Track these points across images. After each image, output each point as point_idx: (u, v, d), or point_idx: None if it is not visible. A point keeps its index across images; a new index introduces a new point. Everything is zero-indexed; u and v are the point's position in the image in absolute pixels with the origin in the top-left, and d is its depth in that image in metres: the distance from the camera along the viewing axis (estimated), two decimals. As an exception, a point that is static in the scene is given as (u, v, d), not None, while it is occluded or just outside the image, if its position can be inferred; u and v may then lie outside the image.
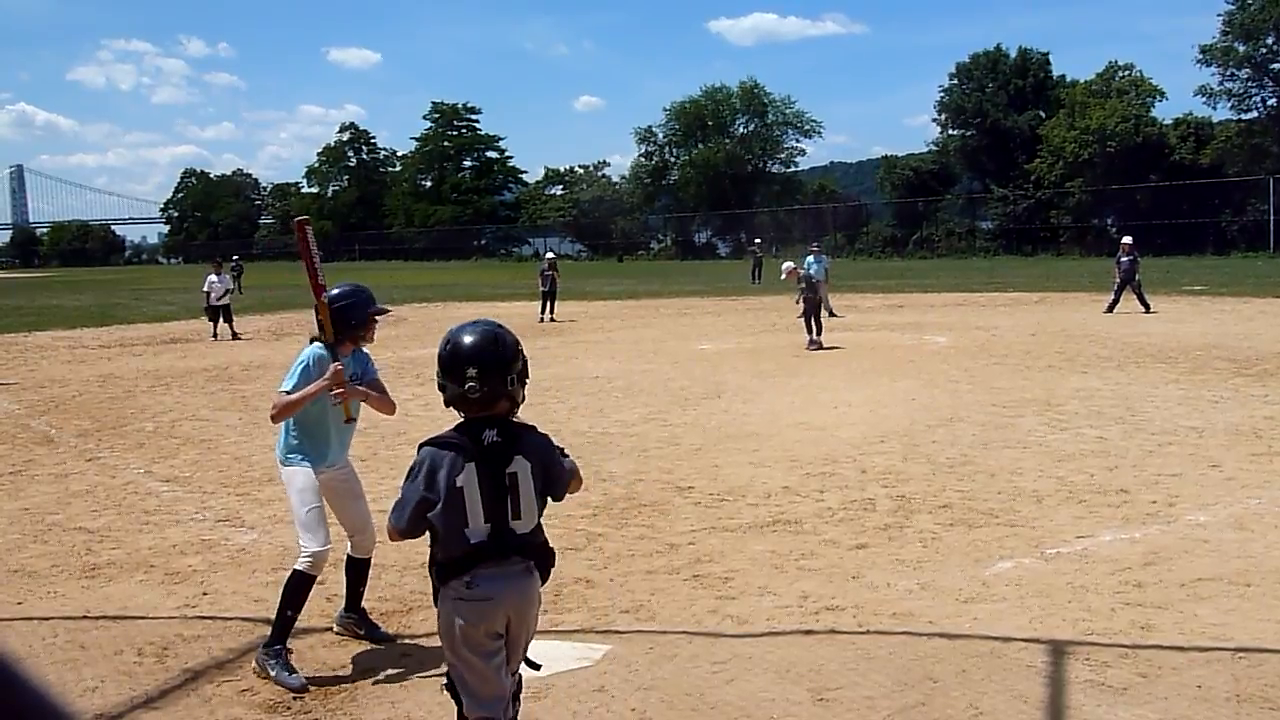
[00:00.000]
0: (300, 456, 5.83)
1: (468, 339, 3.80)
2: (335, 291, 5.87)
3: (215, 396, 16.67)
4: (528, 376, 3.93)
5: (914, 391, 14.92)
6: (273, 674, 5.59)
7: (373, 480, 9.06)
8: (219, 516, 9.28)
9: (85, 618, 6.79)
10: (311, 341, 5.87)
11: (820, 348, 20.53)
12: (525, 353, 3.93)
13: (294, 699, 5.44)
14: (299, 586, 5.69)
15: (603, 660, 5.81)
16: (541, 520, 3.91)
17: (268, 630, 5.80)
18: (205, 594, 7.25)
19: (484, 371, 3.72)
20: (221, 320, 27.10)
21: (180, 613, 6.88)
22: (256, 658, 5.74)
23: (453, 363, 3.76)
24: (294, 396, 5.58)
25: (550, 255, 33.61)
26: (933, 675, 5.45)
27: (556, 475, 3.87)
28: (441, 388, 3.83)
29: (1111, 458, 10.43)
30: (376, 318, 6.01)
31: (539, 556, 3.92)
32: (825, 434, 12.04)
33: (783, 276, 22.59)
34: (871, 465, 10.40)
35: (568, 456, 3.96)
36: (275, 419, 5.64)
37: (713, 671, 5.60)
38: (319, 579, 5.88)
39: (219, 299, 27.11)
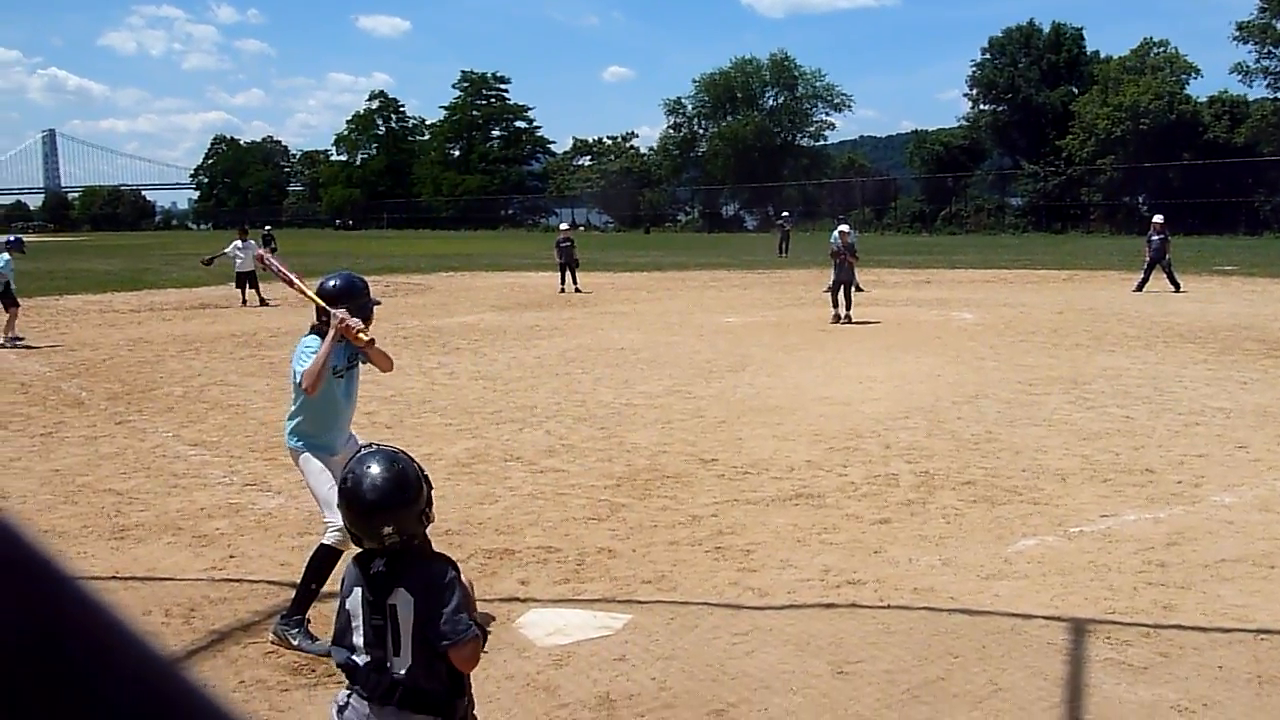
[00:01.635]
0: (310, 442, 5.91)
1: (371, 491, 3.39)
2: (332, 283, 5.89)
3: (243, 362, 16.79)
4: (430, 491, 3.55)
5: (939, 368, 14.86)
6: (295, 643, 5.64)
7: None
8: (246, 480, 9.35)
9: (114, 578, 6.87)
10: (311, 331, 5.88)
11: (848, 322, 20.48)
12: (426, 475, 3.55)
13: (318, 662, 5.50)
14: (325, 560, 5.73)
15: (624, 630, 5.85)
16: (436, 667, 3.40)
17: (293, 593, 5.85)
18: (232, 557, 7.32)
19: (399, 526, 3.40)
20: (248, 287, 27.20)
21: (207, 575, 6.96)
22: (275, 629, 5.79)
23: (364, 519, 3.42)
24: (319, 354, 5.59)
25: (565, 226, 33.32)
26: (953, 651, 5.46)
27: (433, 618, 3.36)
28: (355, 540, 3.51)
29: (1137, 437, 10.37)
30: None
31: (421, 704, 3.40)
32: (849, 409, 12.02)
33: (843, 227, 22.26)
34: (895, 441, 10.38)
35: (472, 625, 3.40)
36: (312, 389, 5.63)
37: (733, 643, 5.63)
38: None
39: (242, 266, 27.17)
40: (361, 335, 5.70)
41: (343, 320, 5.60)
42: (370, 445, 3.58)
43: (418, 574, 3.41)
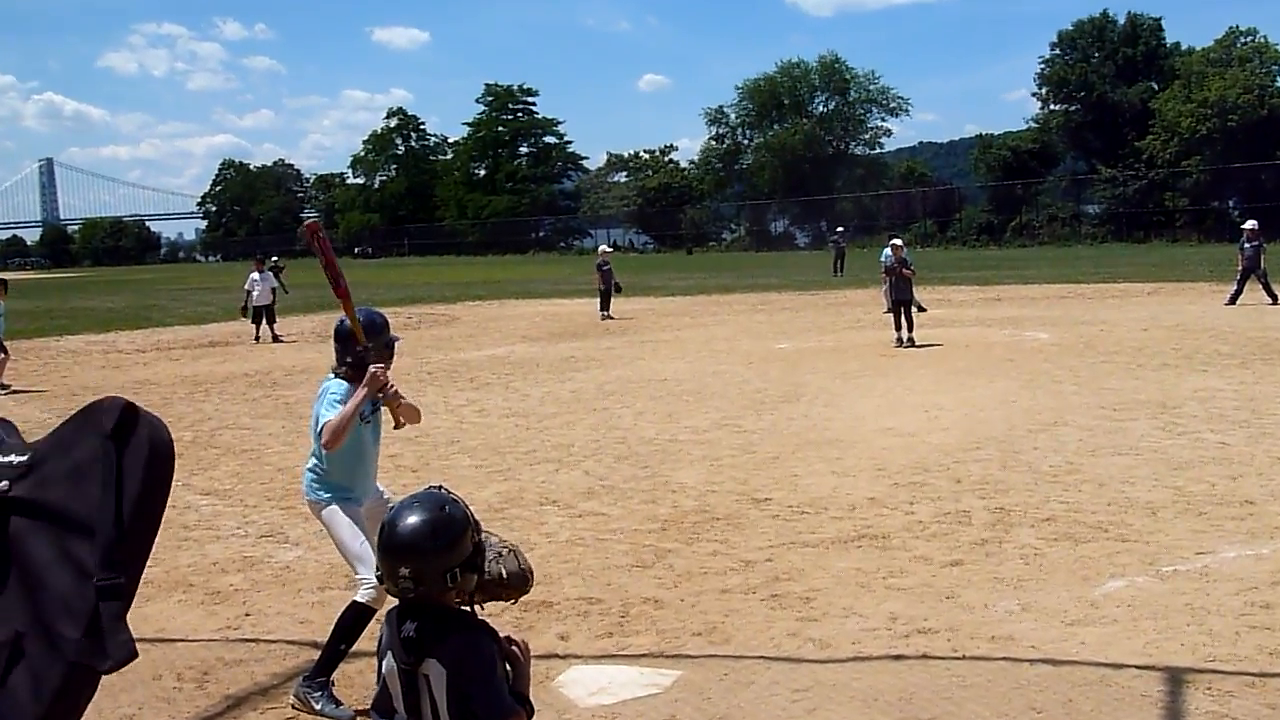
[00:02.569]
0: (335, 494, 5.93)
1: (402, 527, 3.35)
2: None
3: (257, 403, 16.93)
4: (481, 559, 3.47)
5: (1013, 393, 14.78)
6: (318, 706, 5.66)
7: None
8: (262, 532, 9.41)
9: (122, 640, 6.90)
10: (333, 374, 5.91)
11: (911, 345, 20.41)
12: (478, 533, 3.47)
13: (342, 728, 5.52)
14: (357, 619, 5.73)
15: (673, 687, 5.83)
16: None
17: (314, 654, 5.87)
18: (248, 615, 7.36)
19: (418, 572, 3.33)
20: (264, 322, 27.40)
21: (222, 635, 7.00)
22: (296, 690, 5.80)
23: (386, 556, 3.38)
24: (345, 410, 5.63)
25: (605, 248, 33.73)
26: (1035, 705, 5.40)
27: (469, 695, 3.33)
28: (378, 578, 3.50)
29: (1235, 465, 10.26)
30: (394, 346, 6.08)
31: None
32: (915, 440, 11.97)
33: (896, 241, 22.49)
34: (966, 474, 10.32)
35: (513, 702, 3.36)
36: (332, 445, 5.64)
37: (793, 700, 5.59)
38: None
39: (260, 299, 27.42)
40: (398, 396, 5.79)
41: (378, 381, 5.65)
42: (439, 486, 3.58)
43: (451, 644, 3.36)
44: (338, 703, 5.68)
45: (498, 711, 3.33)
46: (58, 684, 2.70)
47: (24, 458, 2.89)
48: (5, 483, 2.80)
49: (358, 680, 6.00)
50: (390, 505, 5.97)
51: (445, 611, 3.40)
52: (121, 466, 2.74)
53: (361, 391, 5.66)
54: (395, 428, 6.14)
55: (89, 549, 2.72)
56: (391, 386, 5.76)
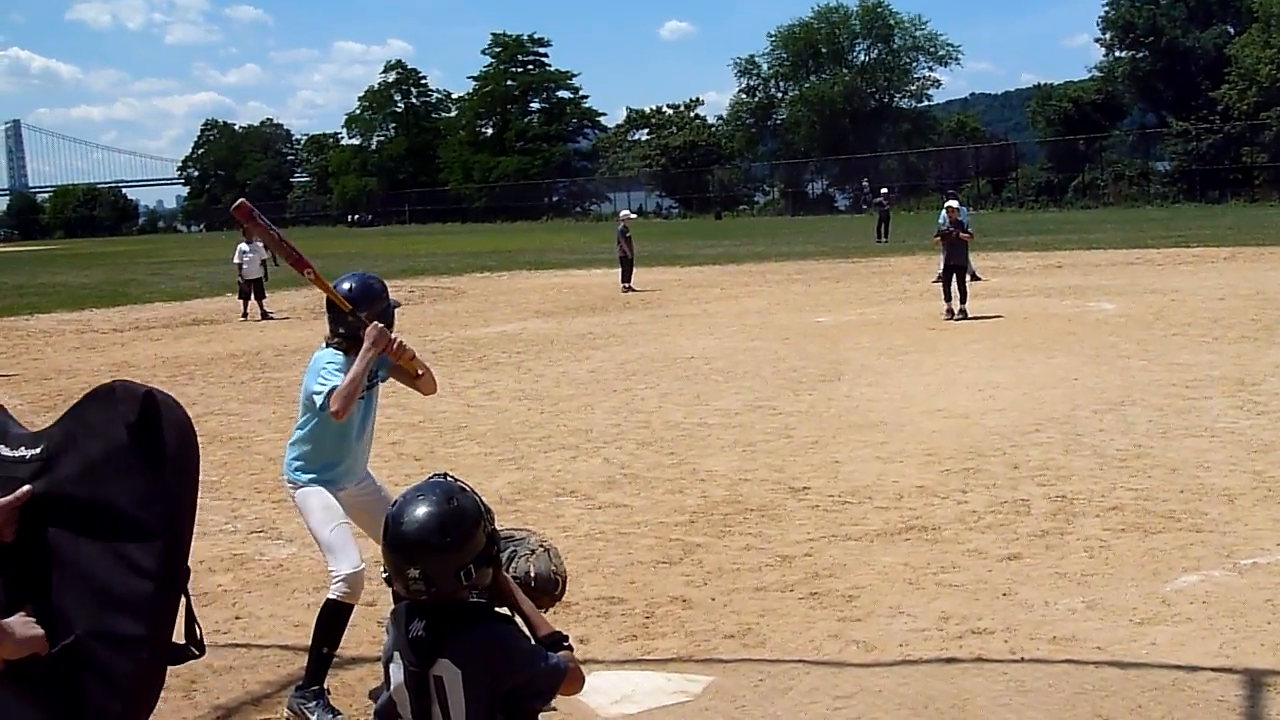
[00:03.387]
0: (315, 476, 5.91)
1: (409, 523, 3.33)
2: (346, 285, 5.88)
3: (245, 387, 16.99)
4: (496, 550, 3.48)
5: (1075, 369, 14.75)
6: (313, 717, 5.67)
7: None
8: (252, 527, 9.46)
9: (101, 646, 6.95)
10: (326, 346, 5.89)
11: (963, 317, 20.35)
12: (491, 523, 3.45)
13: (341, 740, 5.55)
14: (334, 618, 5.74)
15: (704, 694, 5.84)
16: None
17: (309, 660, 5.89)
18: (238, 618, 7.39)
19: (428, 572, 3.31)
20: (253, 297, 27.38)
21: (210, 640, 6.97)
22: (290, 702, 5.81)
23: (392, 555, 3.35)
24: (354, 370, 5.57)
25: (626, 214, 33.92)
26: (1101, 711, 5.40)
27: (514, 687, 3.37)
28: (386, 579, 3.46)
29: (1321, 447, 10.22)
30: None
31: None
32: (968, 422, 11.95)
33: (952, 203, 22.61)
34: (1025, 459, 10.30)
35: (553, 656, 3.46)
36: (342, 411, 5.57)
37: (835, 707, 5.60)
38: (366, 603, 5.91)
39: (250, 272, 27.36)
40: (407, 349, 5.75)
41: (386, 335, 5.61)
42: (445, 474, 3.56)
43: (464, 641, 3.35)
44: (335, 712, 5.70)
45: (555, 681, 3.43)
46: (133, 679, 2.85)
47: (36, 450, 3.01)
48: (27, 486, 2.92)
49: (358, 688, 6.04)
50: (383, 494, 6.04)
51: (455, 606, 3.39)
52: (162, 457, 2.87)
53: (370, 351, 5.59)
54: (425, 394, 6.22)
55: (139, 546, 2.85)
56: (397, 340, 5.70)
